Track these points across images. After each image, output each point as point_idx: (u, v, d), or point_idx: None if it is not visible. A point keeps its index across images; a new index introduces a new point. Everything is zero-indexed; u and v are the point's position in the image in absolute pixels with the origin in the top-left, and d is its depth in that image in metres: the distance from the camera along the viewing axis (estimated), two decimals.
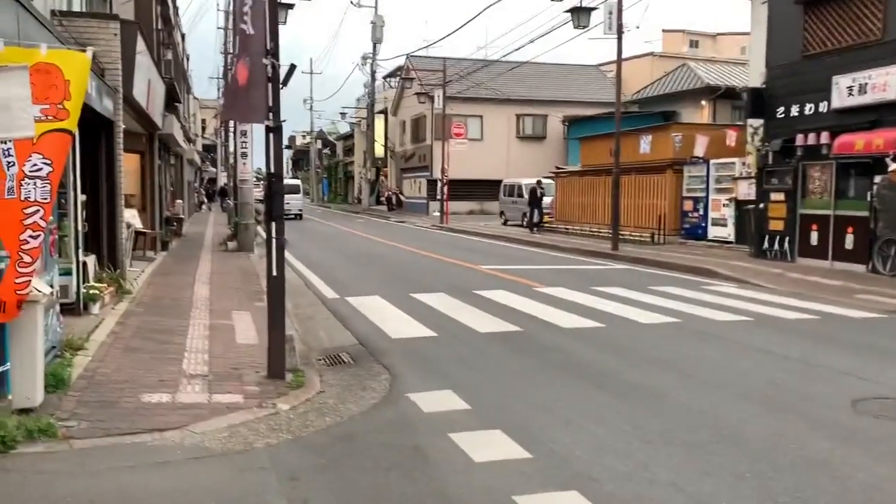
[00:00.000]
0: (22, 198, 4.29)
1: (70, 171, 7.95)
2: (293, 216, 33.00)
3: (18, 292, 4.36)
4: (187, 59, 38.07)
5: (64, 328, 6.49)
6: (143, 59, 11.60)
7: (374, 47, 46.04)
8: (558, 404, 5.46)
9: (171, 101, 19.71)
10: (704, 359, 7.06)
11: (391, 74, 53.95)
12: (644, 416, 5.17)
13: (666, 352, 7.30)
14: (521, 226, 28.44)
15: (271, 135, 5.96)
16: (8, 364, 4.55)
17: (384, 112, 49.20)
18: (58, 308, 6.03)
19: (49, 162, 4.34)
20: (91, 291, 8.15)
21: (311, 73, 68.95)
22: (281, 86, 6.12)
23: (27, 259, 4.33)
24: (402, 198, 42.32)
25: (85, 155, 9.54)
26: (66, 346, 6.33)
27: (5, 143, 4.32)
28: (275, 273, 6.05)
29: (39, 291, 4.73)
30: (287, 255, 19.40)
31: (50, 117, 4.38)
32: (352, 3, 45.00)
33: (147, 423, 4.84)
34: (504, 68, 37.20)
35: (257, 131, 17.39)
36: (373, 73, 46.63)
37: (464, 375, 6.35)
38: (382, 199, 50.61)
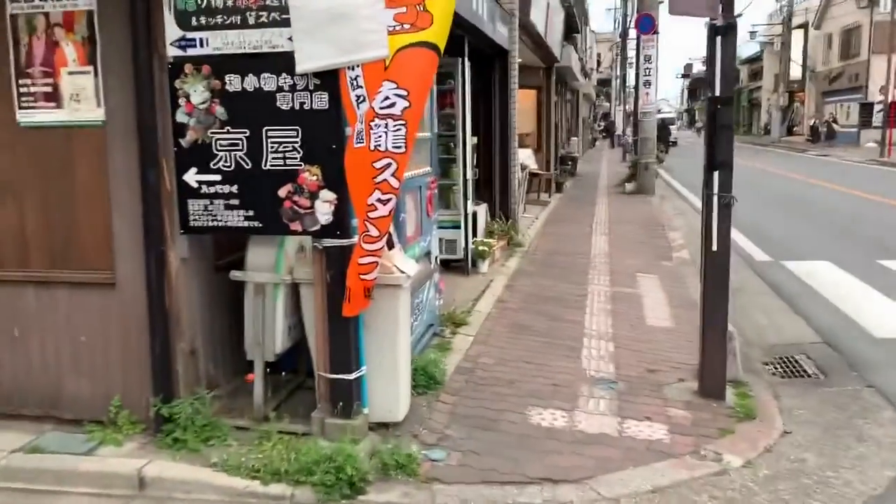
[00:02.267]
0: (371, 147, 3.02)
1: (459, 109, 6.90)
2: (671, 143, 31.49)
3: (363, 276, 3.14)
4: None
5: (444, 298, 5.44)
6: None
7: None
8: None
9: (570, 32, 18.46)
10: None
11: None
12: None
13: None
14: None
15: (718, 38, 3.90)
16: (363, 368, 3.43)
17: (803, 26, 42.10)
18: (437, 278, 4.92)
19: (404, 93, 2.97)
20: (480, 248, 7.12)
21: None
22: None
23: (374, 232, 3.07)
24: (835, 127, 35.57)
25: (475, 91, 8.56)
26: (446, 321, 5.26)
27: (352, 69, 3.06)
28: (715, 247, 4.06)
29: (402, 272, 3.50)
30: (679, 187, 16.91)
31: (406, 25, 2.99)
32: None
33: (535, 467, 3.36)
34: None
35: (664, 56, 15.22)
36: None
37: None
38: (795, 127, 44.02)
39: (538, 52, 12.91)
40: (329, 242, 3.27)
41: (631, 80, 45.27)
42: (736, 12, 3.92)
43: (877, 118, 31.58)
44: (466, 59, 6.73)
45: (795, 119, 44.99)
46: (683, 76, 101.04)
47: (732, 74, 3.99)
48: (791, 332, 5.67)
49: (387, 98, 3.00)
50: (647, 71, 14.83)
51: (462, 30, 6.44)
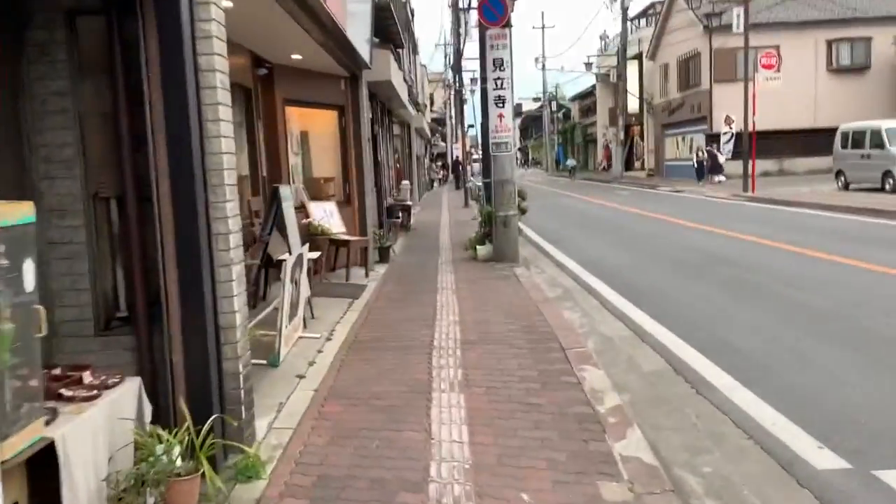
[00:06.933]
0: None
1: None
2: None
3: None
4: (412, 14, 32.41)
5: None
6: None
7: None
8: None
9: (385, 35, 13.53)
10: None
11: (642, 14, 45.10)
12: None
13: None
14: (882, 190, 19.05)
15: None
16: None
17: (637, 57, 40.49)
18: None
19: None
20: None
21: (543, 27, 61.66)
22: None
23: None
24: (719, 159, 29.66)
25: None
26: None
27: None
28: None
29: None
30: (539, 240, 11.41)
31: None
32: None
33: None
34: None
35: (519, 64, 10.57)
36: (625, 10, 38.16)
37: None
38: (637, 161, 42.22)
39: (329, 43, 7.69)
40: None
41: (469, 117, 41.58)
42: None
43: (725, 149, 29.45)
44: None
45: (637, 153, 43.26)
46: (516, 115, 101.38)
47: None
48: None
49: None
50: (500, 82, 10.05)
51: None
